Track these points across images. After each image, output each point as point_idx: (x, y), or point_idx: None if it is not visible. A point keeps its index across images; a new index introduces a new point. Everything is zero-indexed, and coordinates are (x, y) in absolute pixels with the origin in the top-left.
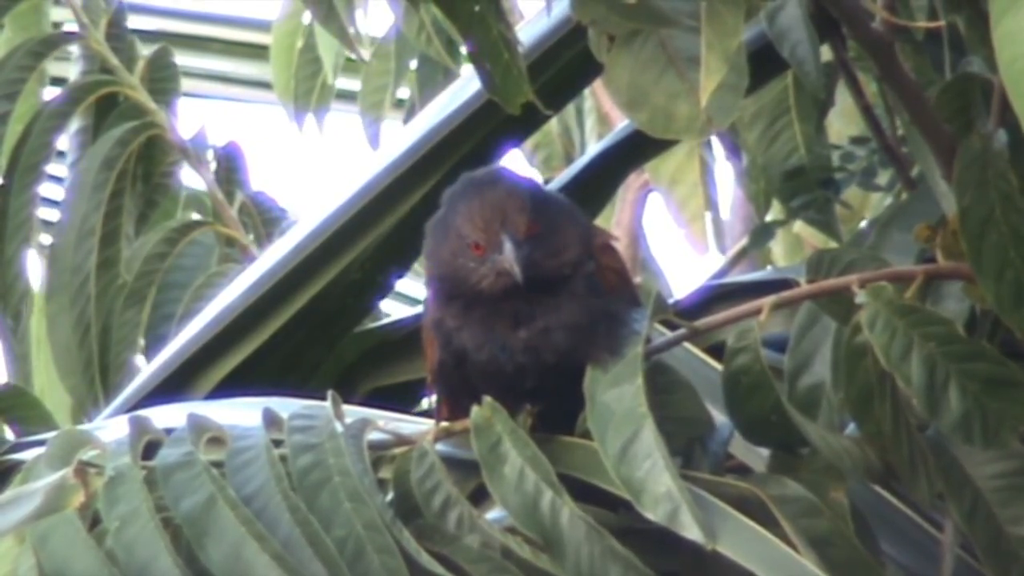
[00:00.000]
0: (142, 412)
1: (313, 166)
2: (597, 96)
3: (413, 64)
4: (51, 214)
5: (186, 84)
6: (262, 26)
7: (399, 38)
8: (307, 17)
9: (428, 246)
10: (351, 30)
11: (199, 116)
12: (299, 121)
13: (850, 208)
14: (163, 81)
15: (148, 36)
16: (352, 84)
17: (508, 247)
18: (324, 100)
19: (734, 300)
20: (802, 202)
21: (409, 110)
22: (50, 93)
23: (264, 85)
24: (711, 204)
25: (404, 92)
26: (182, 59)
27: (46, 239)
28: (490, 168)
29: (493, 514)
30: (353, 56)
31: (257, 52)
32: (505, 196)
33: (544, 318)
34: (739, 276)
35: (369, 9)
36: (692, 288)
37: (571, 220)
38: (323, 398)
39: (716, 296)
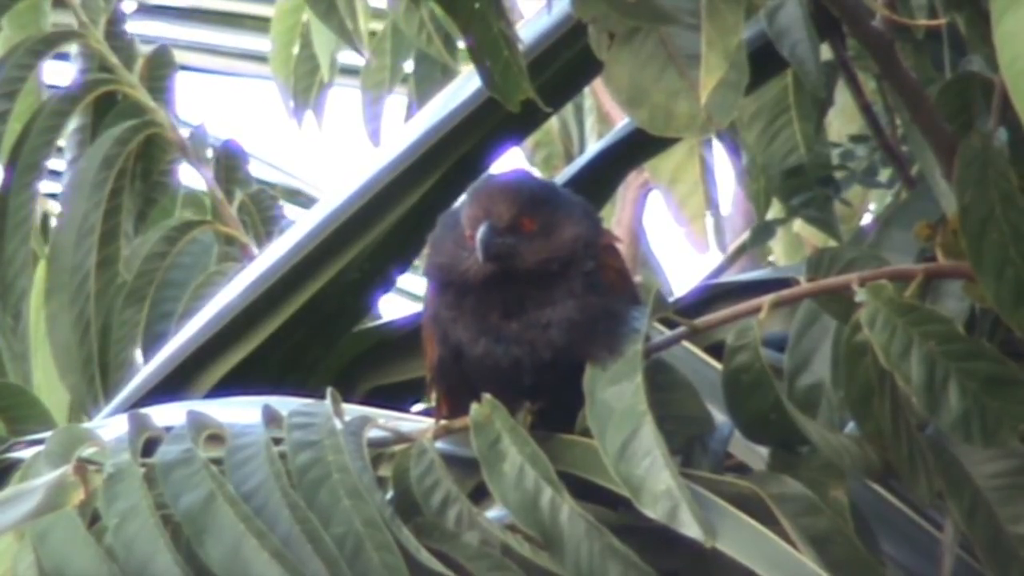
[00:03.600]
0: (142, 410)
1: (318, 139)
2: (597, 95)
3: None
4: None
5: (191, 59)
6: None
7: (395, 35)
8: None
9: (435, 234)
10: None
11: (203, 93)
12: (298, 117)
13: (850, 205)
14: (162, 80)
15: (152, 12)
16: (355, 59)
17: (480, 232)
18: (323, 93)
19: (734, 299)
20: (802, 200)
21: (407, 108)
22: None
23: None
24: (711, 203)
25: (403, 89)
26: (186, 33)
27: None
28: (511, 170)
29: (493, 512)
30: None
31: (263, 25)
32: (499, 190)
33: (536, 312)
34: (739, 275)
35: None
36: (691, 286)
37: (574, 222)
38: (322, 397)
39: (716, 295)
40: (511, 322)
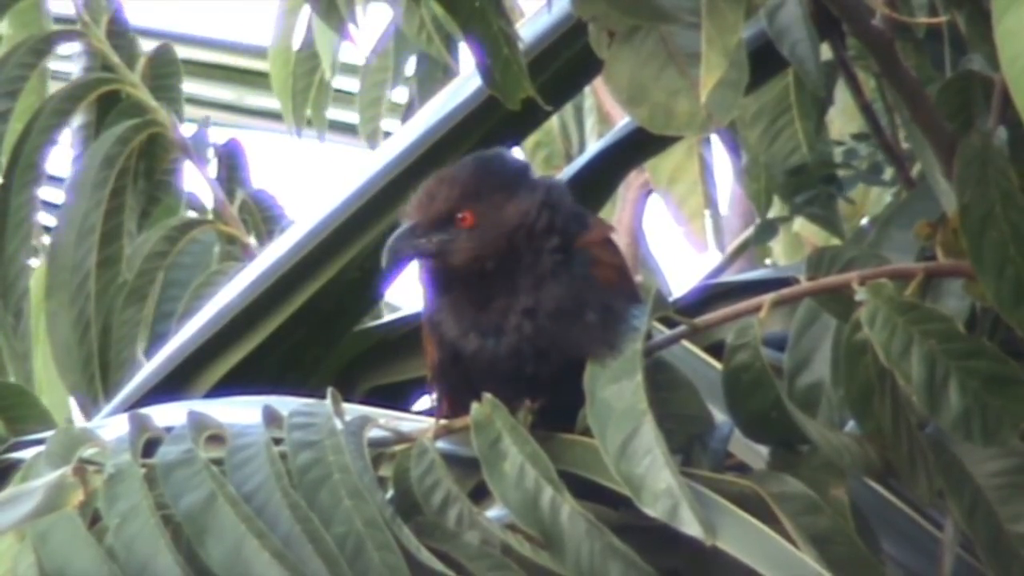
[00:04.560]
0: (142, 410)
1: (304, 195)
2: (598, 94)
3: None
4: (51, 212)
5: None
6: (253, 51)
7: (397, 36)
8: (297, 43)
9: None
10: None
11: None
12: (297, 132)
13: (853, 203)
14: (164, 79)
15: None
16: (349, 116)
17: (395, 234)
18: (322, 100)
19: (734, 299)
20: (805, 198)
21: (408, 108)
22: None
23: (259, 113)
24: (710, 202)
25: (402, 91)
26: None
27: (47, 237)
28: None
29: (493, 511)
30: (348, 68)
31: (248, 78)
32: (436, 184)
33: (505, 300)
34: (739, 275)
35: (368, 8)
36: (691, 286)
37: (516, 208)
38: (323, 397)
39: (716, 295)
40: (484, 314)
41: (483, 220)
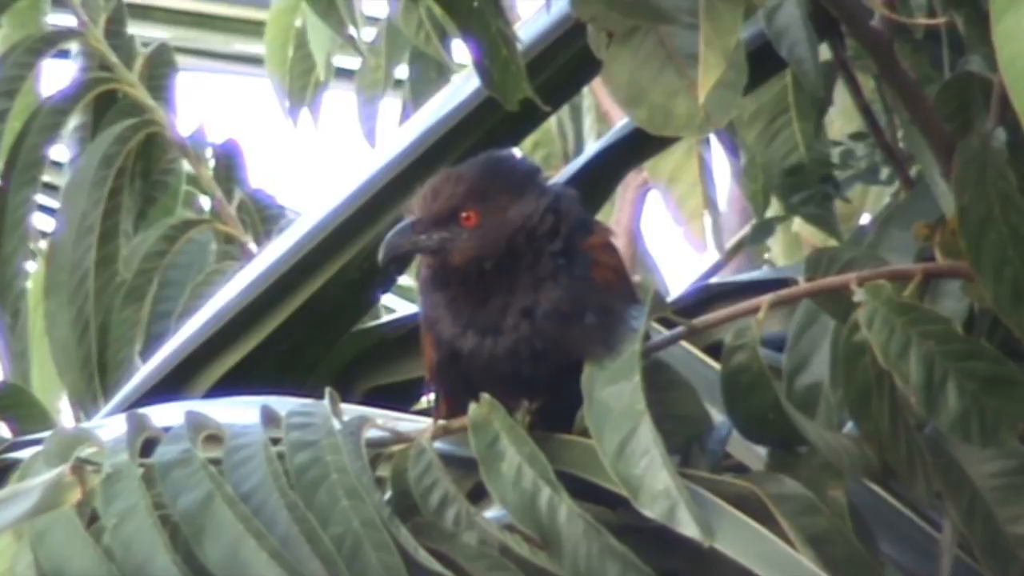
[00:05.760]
0: (140, 410)
1: (314, 139)
2: (596, 94)
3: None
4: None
5: (188, 61)
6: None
7: (390, 33)
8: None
9: None
10: (350, 26)
11: (202, 95)
12: (294, 117)
13: (850, 202)
14: (162, 78)
15: (147, 14)
16: (352, 63)
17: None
18: (319, 91)
19: (732, 299)
20: (801, 197)
21: (403, 109)
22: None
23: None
24: (710, 202)
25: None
26: (184, 34)
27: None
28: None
29: (491, 512)
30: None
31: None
32: (441, 181)
33: (502, 300)
34: (737, 275)
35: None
36: (687, 286)
37: (518, 211)
38: (321, 397)
39: (714, 295)
40: (482, 312)
41: (486, 221)
